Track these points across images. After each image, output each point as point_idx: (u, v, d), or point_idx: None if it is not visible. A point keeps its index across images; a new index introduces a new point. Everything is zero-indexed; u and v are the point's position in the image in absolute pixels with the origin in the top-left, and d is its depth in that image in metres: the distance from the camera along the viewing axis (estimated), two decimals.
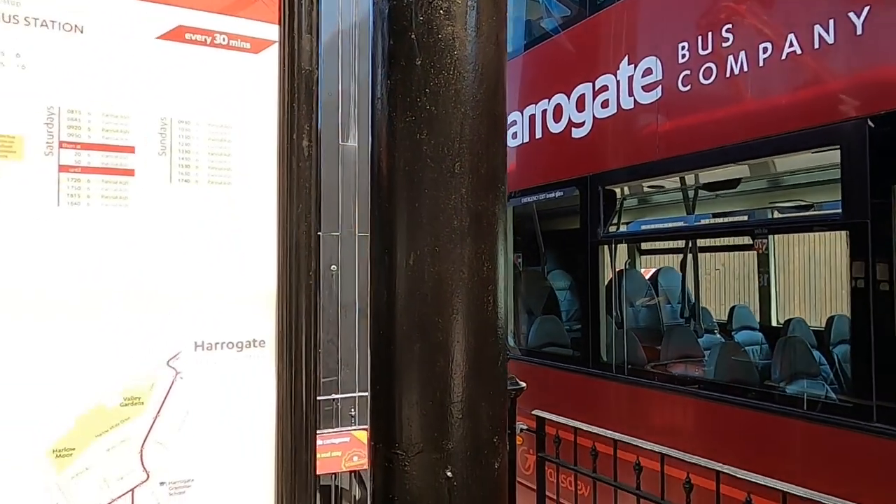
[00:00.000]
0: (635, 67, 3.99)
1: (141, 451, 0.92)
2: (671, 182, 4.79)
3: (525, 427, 3.68)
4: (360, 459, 4.09)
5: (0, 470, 0.84)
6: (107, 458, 0.90)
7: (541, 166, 4.87)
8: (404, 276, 1.04)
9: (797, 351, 4.04)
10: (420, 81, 1.04)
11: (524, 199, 4.98)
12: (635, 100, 3.98)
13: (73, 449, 0.88)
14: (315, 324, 1.02)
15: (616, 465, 3.16)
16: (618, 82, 4.11)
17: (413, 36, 1.03)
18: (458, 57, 1.04)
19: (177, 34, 0.95)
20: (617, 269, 4.46)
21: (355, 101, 4.70)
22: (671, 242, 6.66)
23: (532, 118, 4.85)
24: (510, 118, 4.87)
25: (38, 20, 0.87)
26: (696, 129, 3.67)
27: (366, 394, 4.37)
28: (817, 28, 3.06)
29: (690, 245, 5.58)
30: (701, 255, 5.92)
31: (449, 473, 1.03)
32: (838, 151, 3.00)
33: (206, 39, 0.97)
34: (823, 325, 5.14)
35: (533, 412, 3.63)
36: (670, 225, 5.03)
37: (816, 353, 4.26)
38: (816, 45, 3.07)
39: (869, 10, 2.86)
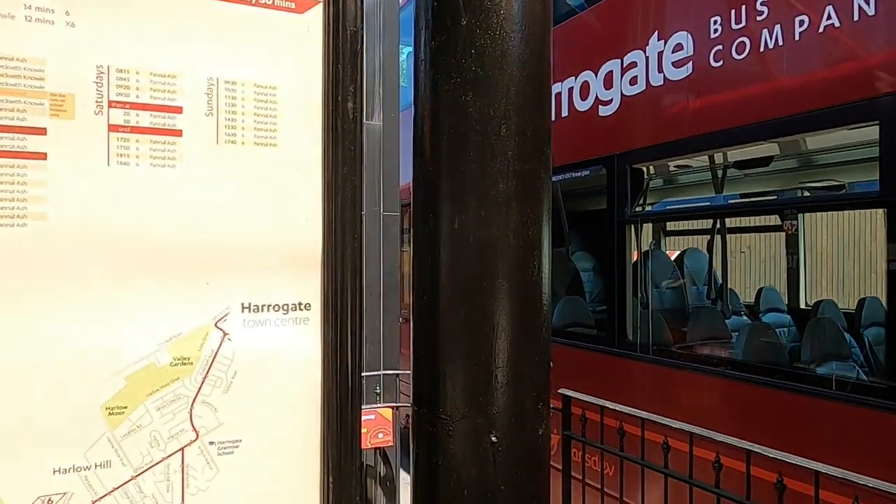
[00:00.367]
0: (665, 43, 3.91)
1: (190, 410, 0.93)
2: (699, 161, 4.72)
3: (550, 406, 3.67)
4: (385, 437, 4.13)
5: (61, 422, 0.85)
6: (157, 416, 0.91)
7: (566, 145, 4.81)
8: (449, 240, 1.03)
9: (828, 332, 3.98)
10: (465, 42, 1.02)
11: None
12: (665, 76, 3.91)
13: (126, 407, 0.89)
14: (360, 287, 1.01)
15: (643, 445, 3.14)
16: (647, 58, 4.03)
17: None
18: (504, 16, 1.02)
19: None
20: (644, 249, 4.42)
21: (380, 81, 4.67)
22: (697, 224, 6.58)
23: (558, 96, 4.79)
24: None
25: None
26: (727, 106, 3.60)
27: (391, 372, 4.40)
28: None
29: (717, 226, 5.50)
30: (727, 237, 5.83)
31: (493, 438, 1.02)
32: (876, 127, 2.92)
33: None
34: (853, 307, 5.05)
35: (559, 391, 3.62)
36: (699, 204, 4.94)
37: (847, 336, 4.20)
38: (856, 18, 2.98)
39: None
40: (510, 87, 1.03)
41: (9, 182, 0.83)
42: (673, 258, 5.70)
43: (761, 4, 3.38)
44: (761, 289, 5.59)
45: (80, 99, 0.86)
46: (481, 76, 1.02)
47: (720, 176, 4.69)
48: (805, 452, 2.67)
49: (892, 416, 2.82)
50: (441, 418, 1.03)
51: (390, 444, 4.13)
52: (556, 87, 4.83)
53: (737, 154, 4.28)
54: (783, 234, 6.09)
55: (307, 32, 0.99)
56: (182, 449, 0.92)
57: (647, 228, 5.34)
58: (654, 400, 3.88)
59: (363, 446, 4.04)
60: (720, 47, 3.59)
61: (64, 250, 0.86)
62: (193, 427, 0.93)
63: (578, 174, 4.68)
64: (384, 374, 4.33)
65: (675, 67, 3.85)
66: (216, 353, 0.94)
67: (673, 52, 3.86)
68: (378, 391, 4.36)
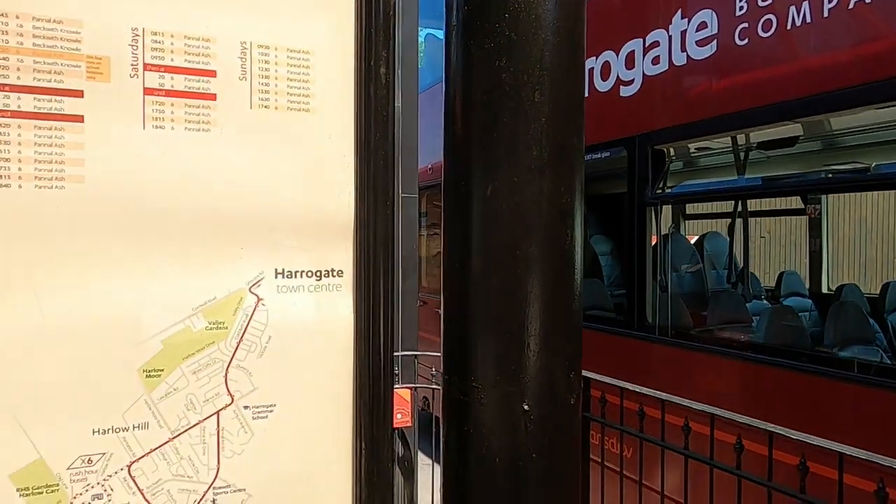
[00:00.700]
0: (689, 21, 3.85)
1: (225, 374, 0.93)
2: (721, 143, 4.65)
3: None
4: (403, 417, 4.15)
5: (99, 384, 0.86)
6: (193, 380, 0.91)
7: (585, 127, 4.76)
8: (481, 208, 1.03)
9: (851, 316, 3.93)
10: (499, 6, 1.00)
11: None
12: (688, 55, 3.85)
13: (162, 370, 0.90)
14: (392, 253, 1.01)
15: (663, 427, 3.13)
16: (670, 37, 3.97)
17: None
18: None
19: None
20: (664, 232, 4.38)
21: (399, 61, 4.65)
22: (717, 207, 6.51)
23: None
24: None
25: None
26: (753, 85, 3.53)
27: (409, 353, 4.42)
28: None
29: (739, 209, 5.43)
30: (748, 221, 5.76)
31: (525, 407, 1.02)
32: None
33: None
34: (878, 292, 4.98)
35: None
36: (723, 186, 4.88)
37: (871, 320, 4.14)
38: None
39: None
40: (544, 53, 1.01)
41: (47, 144, 0.83)
42: (692, 242, 5.65)
43: None
44: (782, 273, 5.53)
45: (115, 62, 0.86)
46: (515, 41, 1.00)
47: (743, 158, 4.62)
48: (827, 435, 2.65)
49: None
50: (473, 387, 1.03)
51: (409, 424, 4.15)
52: None
53: (760, 135, 4.22)
54: (804, 217, 6.01)
55: None
56: (217, 412, 0.93)
57: (667, 212, 5.28)
58: (673, 382, 3.86)
59: None
60: (746, 25, 3.53)
61: (101, 213, 0.86)
62: (228, 391, 0.94)
63: (598, 156, 4.64)
64: (402, 356, 4.35)
65: (699, 46, 3.79)
66: (250, 318, 0.94)
67: (697, 30, 3.79)
68: (397, 372, 4.38)
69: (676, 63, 3.93)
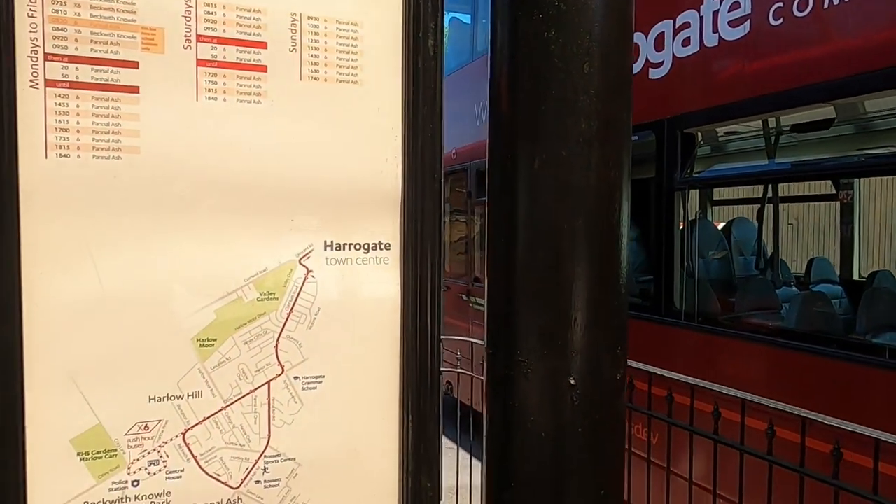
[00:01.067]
0: (721, 2, 3.77)
1: (276, 345, 0.94)
2: (751, 126, 4.57)
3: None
4: None
5: (155, 352, 0.87)
6: (245, 350, 0.93)
7: None
8: (528, 181, 1.02)
9: (885, 303, 3.86)
10: None
11: None
12: (720, 36, 3.78)
13: (215, 339, 0.91)
14: (439, 227, 1.01)
15: (693, 412, 3.11)
16: (701, 18, 3.90)
17: None
18: None
19: None
20: (692, 217, 4.33)
21: None
22: (745, 193, 6.41)
23: None
24: None
25: None
26: (787, 66, 3.46)
27: None
28: None
29: (768, 195, 5.35)
30: (778, 207, 5.67)
31: (572, 381, 1.02)
32: None
33: None
34: None
35: None
36: (754, 170, 4.79)
37: None
38: None
39: None
40: (594, 24, 1.00)
41: (104, 115, 0.84)
42: (720, 227, 5.57)
43: None
44: (812, 259, 5.44)
45: (169, 33, 0.87)
46: (565, 12, 0.99)
47: (773, 142, 4.54)
48: (859, 422, 2.61)
49: None
50: (519, 361, 1.03)
51: None
52: None
53: (792, 118, 4.14)
54: (834, 204, 5.89)
55: None
56: (268, 382, 0.94)
57: (696, 197, 5.22)
58: (699, 368, 3.83)
59: None
60: (780, 5, 3.45)
61: (156, 184, 0.87)
62: (279, 361, 0.94)
63: None
64: None
65: (732, 27, 3.71)
66: (300, 290, 0.95)
67: (729, 10, 3.72)
68: None
69: (708, 44, 3.86)
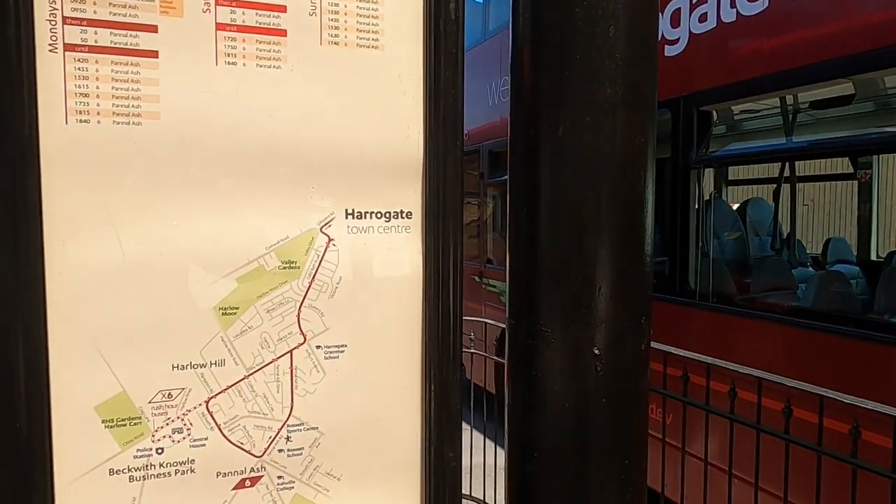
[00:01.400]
0: None
1: (298, 314, 0.94)
2: (767, 104, 4.50)
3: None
4: None
5: (178, 320, 0.87)
6: (267, 318, 0.92)
7: None
8: (551, 148, 1.00)
9: None
10: None
11: None
12: (738, 11, 3.71)
13: (237, 308, 0.90)
14: (461, 195, 0.99)
15: (708, 392, 3.10)
16: None
17: None
18: None
19: None
20: (707, 196, 4.28)
21: None
22: (761, 172, 6.33)
23: None
24: None
25: None
26: (805, 42, 3.40)
27: None
28: None
29: (785, 174, 5.28)
30: (795, 186, 5.59)
31: (596, 351, 1.00)
32: None
33: None
34: None
35: None
36: (772, 148, 4.72)
37: None
38: None
39: None
40: None
41: (124, 80, 0.83)
42: (735, 207, 5.52)
43: None
44: (829, 240, 5.38)
45: None
46: None
47: (791, 119, 4.47)
48: (878, 400, 2.59)
49: None
50: (542, 330, 1.02)
51: None
52: None
53: (810, 95, 4.07)
54: (850, 185, 5.81)
55: None
56: (291, 351, 0.94)
57: (711, 176, 5.15)
58: (714, 348, 3.81)
59: None
60: None
61: (176, 150, 0.86)
62: (301, 330, 0.94)
63: None
64: None
65: (750, 2, 3.65)
66: (322, 258, 0.94)
67: None
68: None
69: (725, 20, 3.80)
